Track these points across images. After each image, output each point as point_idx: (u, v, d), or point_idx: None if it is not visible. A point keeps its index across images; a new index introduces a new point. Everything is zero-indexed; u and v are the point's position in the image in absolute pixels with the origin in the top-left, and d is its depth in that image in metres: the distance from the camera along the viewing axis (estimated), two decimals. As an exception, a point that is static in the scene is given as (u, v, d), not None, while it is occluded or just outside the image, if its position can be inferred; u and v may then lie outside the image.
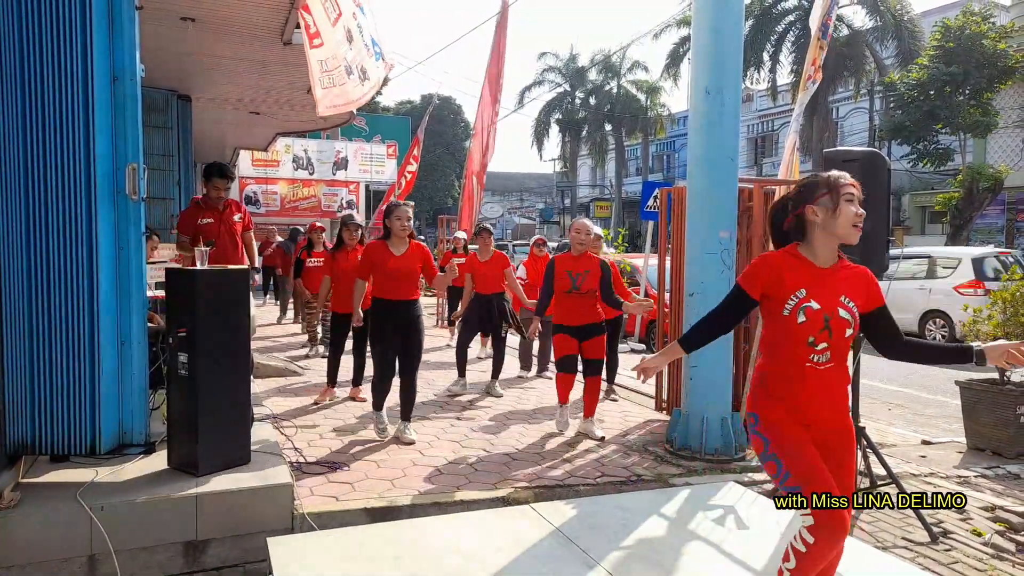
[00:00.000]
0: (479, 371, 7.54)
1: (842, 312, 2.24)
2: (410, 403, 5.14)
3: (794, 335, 2.23)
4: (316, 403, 6.10)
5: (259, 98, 8.64)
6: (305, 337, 9.15)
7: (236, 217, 5.66)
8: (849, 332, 2.26)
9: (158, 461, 3.87)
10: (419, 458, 4.70)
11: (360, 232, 6.50)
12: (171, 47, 6.39)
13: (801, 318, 2.22)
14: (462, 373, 6.77)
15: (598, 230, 6.88)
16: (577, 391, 5.68)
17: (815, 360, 2.24)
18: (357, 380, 6.34)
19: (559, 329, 5.36)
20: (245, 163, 20.27)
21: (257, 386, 6.22)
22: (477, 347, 8.63)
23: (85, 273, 3.42)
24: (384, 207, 5.29)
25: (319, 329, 8.55)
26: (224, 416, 3.82)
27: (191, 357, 3.74)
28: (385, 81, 6.90)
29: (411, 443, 4.99)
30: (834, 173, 2.32)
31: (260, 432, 4.46)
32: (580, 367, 5.42)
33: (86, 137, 3.39)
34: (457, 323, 9.01)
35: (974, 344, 2.22)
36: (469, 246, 9.31)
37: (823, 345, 2.23)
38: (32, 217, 3.36)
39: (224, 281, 3.91)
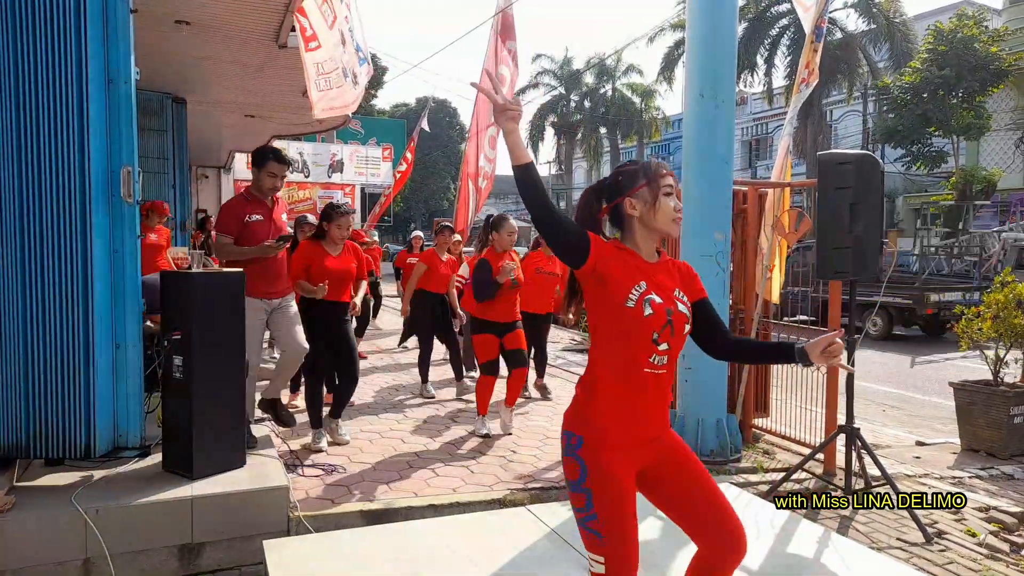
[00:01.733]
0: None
1: (680, 306, 2.05)
2: (343, 402, 5.03)
3: (639, 330, 1.98)
4: (291, 406, 5.99)
5: (255, 101, 8.63)
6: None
7: (283, 216, 4.82)
8: (687, 328, 2.07)
9: (153, 464, 3.86)
10: (415, 460, 4.70)
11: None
12: (166, 50, 6.39)
13: (648, 310, 1.98)
14: (425, 380, 6.76)
15: None
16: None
17: (654, 362, 2.01)
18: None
19: (484, 327, 5.34)
20: (241, 166, 20.23)
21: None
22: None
23: (80, 276, 3.42)
24: (326, 207, 4.92)
25: None
26: (219, 419, 3.81)
27: (186, 360, 3.73)
28: (379, 84, 6.90)
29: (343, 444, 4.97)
30: (652, 163, 2.11)
31: (255, 435, 4.45)
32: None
33: (81, 140, 3.38)
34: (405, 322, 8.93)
35: (796, 341, 2.03)
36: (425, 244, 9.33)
37: (664, 345, 2.01)
38: (27, 220, 3.36)
39: (219, 284, 3.91)
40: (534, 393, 6.81)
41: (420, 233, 10.51)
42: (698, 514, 2.06)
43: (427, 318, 6.80)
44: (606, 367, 2.04)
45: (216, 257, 4.74)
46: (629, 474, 2.03)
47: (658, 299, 2.00)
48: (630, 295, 1.98)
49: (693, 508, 2.07)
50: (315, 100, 5.26)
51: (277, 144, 19.77)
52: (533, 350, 6.64)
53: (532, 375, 7.24)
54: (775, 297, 5.64)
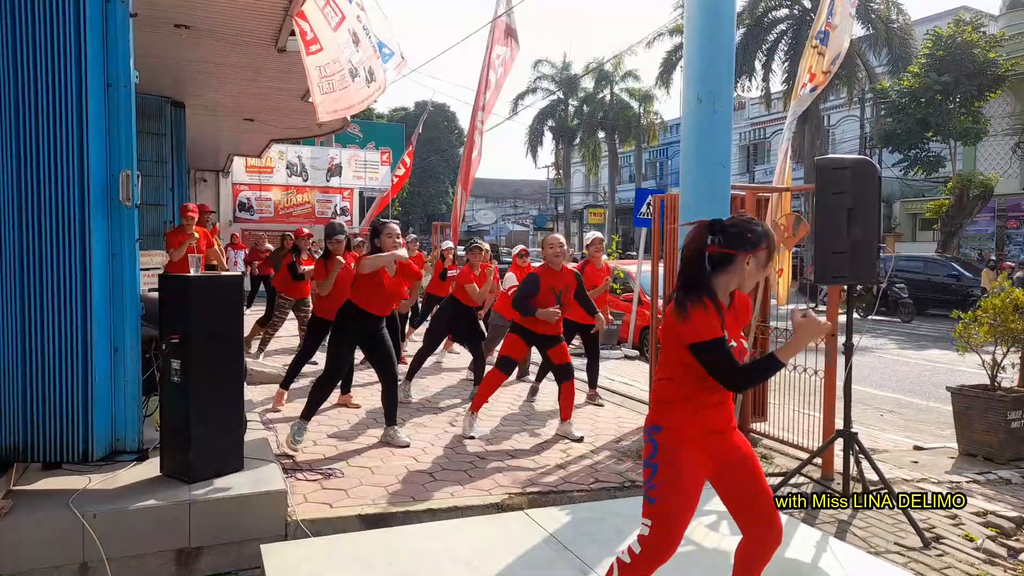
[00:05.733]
0: (462, 376, 7.54)
1: (745, 344, 2.43)
2: (394, 410, 5.12)
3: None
4: (274, 410, 5.98)
5: (253, 105, 8.65)
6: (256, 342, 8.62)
7: None
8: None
9: (151, 468, 3.85)
10: (413, 464, 4.70)
11: (345, 241, 6.34)
12: (165, 54, 6.40)
13: None
14: (410, 378, 6.70)
15: (598, 235, 7.03)
16: (548, 398, 5.67)
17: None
18: (346, 387, 6.31)
19: (518, 330, 5.39)
20: (239, 169, 20.24)
21: (250, 392, 6.19)
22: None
23: (78, 279, 3.42)
24: (371, 225, 5.14)
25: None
26: (217, 423, 3.81)
27: (184, 363, 3.73)
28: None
29: (405, 445, 5.02)
30: (772, 234, 2.41)
31: (253, 438, 4.44)
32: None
33: (80, 144, 3.39)
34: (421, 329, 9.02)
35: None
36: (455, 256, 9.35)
37: None
38: (26, 223, 3.36)
39: (217, 288, 3.91)
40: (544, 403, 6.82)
41: (449, 244, 10.37)
42: (751, 510, 2.39)
43: (443, 323, 6.88)
44: (688, 387, 2.35)
45: None
46: (697, 464, 2.34)
47: (733, 344, 2.31)
48: None
49: (745, 505, 2.39)
50: (318, 103, 5.29)
51: (276, 148, 19.83)
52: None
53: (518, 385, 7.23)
54: (783, 299, 5.66)
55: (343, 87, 5.57)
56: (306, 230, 8.78)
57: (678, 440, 2.34)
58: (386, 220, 5.13)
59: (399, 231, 5.06)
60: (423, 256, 10.50)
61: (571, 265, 5.68)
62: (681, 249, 2.45)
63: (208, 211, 7.76)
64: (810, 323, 2.23)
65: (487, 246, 7.51)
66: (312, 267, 7.20)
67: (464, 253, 7.43)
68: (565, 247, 5.45)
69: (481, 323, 7.01)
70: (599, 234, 7.14)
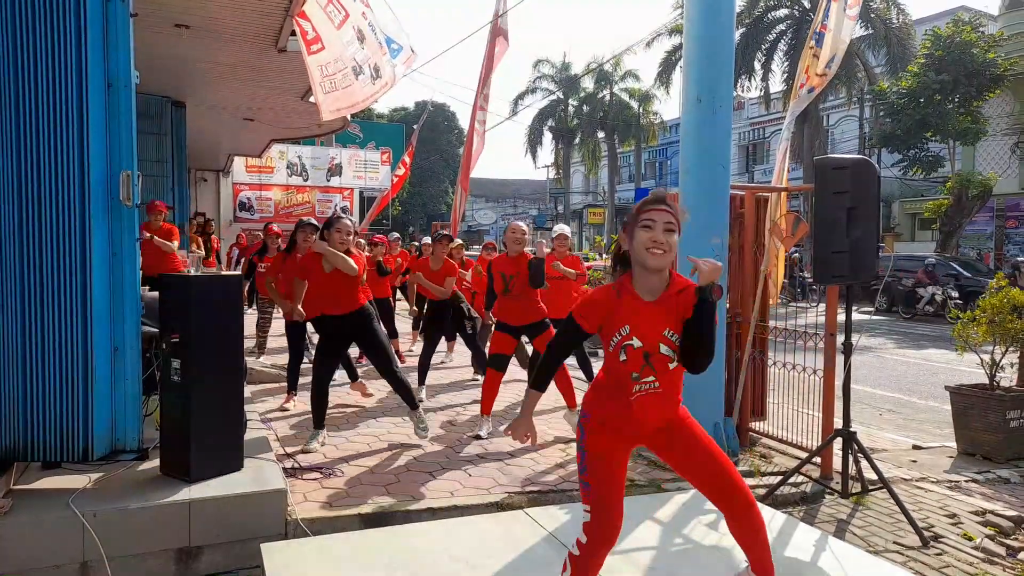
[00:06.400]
0: (463, 375, 7.55)
1: (664, 348, 2.25)
2: (408, 394, 5.08)
3: (618, 369, 2.27)
4: (282, 409, 6.00)
5: (253, 104, 8.67)
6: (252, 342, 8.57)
7: None
8: (673, 364, 2.29)
9: (151, 467, 3.86)
10: (413, 463, 4.70)
11: (315, 236, 6.33)
12: (165, 54, 6.41)
13: (623, 356, 2.24)
14: (421, 382, 6.73)
15: (565, 229, 7.01)
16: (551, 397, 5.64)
17: (640, 390, 2.29)
18: (354, 376, 6.32)
19: (499, 327, 5.48)
20: (239, 169, 20.26)
21: (250, 391, 6.20)
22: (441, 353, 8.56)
23: (79, 279, 3.42)
24: (328, 218, 5.00)
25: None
26: (217, 422, 3.81)
27: (184, 363, 3.74)
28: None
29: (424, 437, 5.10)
30: (650, 195, 2.31)
31: (253, 438, 4.45)
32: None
33: (80, 144, 3.39)
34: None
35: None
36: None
37: (649, 379, 2.27)
38: (26, 223, 3.36)
39: (217, 287, 3.91)
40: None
41: (428, 240, 10.39)
42: (710, 484, 2.40)
43: (430, 323, 6.88)
44: (606, 381, 2.39)
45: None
46: (620, 449, 2.39)
47: (637, 344, 2.22)
48: (611, 341, 2.26)
49: (705, 479, 2.42)
50: (321, 102, 5.30)
51: (276, 148, 19.81)
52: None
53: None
54: (774, 297, 5.67)
55: (346, 85, 5.58)
56: (276, 228, 8.58)
57: (595, 423, 2.38)
58: (342, 216, 4.96)
59: (352, 228, 4.90)
60: (408, 255, 10.50)
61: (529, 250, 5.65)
62: None
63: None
64: (521, 425, 2.49)
65: (456, 238, 7.42)
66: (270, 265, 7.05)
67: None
68: (526, 235, 5.49)
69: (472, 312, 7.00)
70: (565, 230, 7.03)
